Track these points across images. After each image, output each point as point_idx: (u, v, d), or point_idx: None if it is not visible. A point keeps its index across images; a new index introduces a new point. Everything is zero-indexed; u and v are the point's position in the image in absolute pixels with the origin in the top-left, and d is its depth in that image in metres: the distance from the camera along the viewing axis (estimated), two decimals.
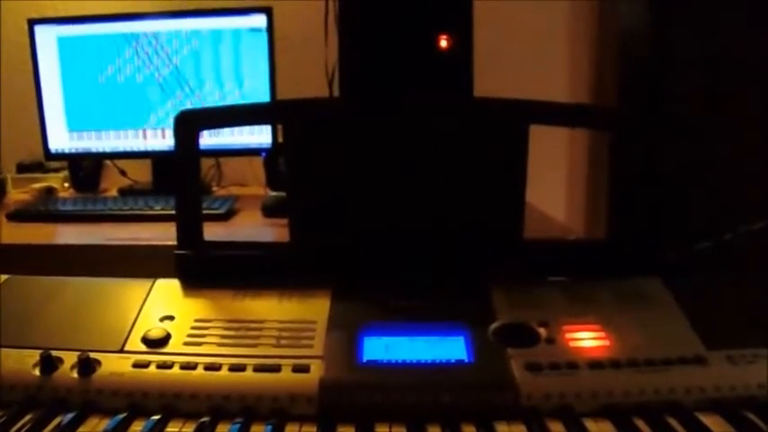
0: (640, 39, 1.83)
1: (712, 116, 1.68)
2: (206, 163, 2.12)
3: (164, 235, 1.31)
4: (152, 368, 0.79)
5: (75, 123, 1.98)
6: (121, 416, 0.75)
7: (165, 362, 0.80)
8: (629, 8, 1.90)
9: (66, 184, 2.17)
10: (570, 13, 2.22)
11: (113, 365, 0.80)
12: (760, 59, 1.65)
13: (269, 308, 0.89)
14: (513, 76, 1.84)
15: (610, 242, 0.98)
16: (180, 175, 0.98)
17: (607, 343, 0.82)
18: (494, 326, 0.85)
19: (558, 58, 2.25)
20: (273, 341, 0.83)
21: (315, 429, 0.73)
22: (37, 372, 0.79)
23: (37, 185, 2.06)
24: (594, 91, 2.20)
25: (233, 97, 1.93)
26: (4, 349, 0.82)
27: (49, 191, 2.05)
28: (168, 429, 0.73)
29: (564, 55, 2.25)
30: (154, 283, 0.95)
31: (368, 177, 0.97)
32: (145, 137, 1.97)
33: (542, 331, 0.83)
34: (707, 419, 0.73)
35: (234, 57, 1.91)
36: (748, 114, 1.65)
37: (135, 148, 1.99)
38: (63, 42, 1.94)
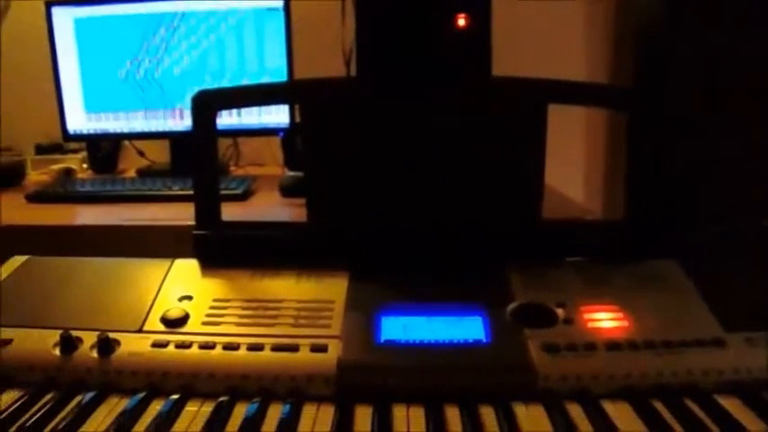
0: (658, 23, 1.81)
1: (730, 110, 1.66)
2: (223, 143, 2.12)
3: (182, 215, 1.31)
4: (171, 348, 0.80)
5: (93, 104, 1.98)
6: (140, 395, 0.75)
7: (183, 342, 0.80)
8: None
9: (85, 165, 2.17)
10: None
11: (132, 345, 0.80)
12: None
13: (287, 288, 0.89)
14: (530, 57, 1.83)
15: (627, 224, 0.97)
16: (198, 155, 0.98)
17: (625, 324, 0.82)
18: (511, 306, 0.85)
19: (575, 40, 2.23)
20: (291, 321, 0.83)
21: (332, 409, 0.73)
22: (57, 352, 0.79)
23: (56, 167, 2.06)
24: (612, 73, 2.19)
25: (250, 77, 1.92)
26: (24, 329, 0.83)
27: (68, 172, 2.06)
28: (187, 409, 0.74)
29: (582, 37, 2.23)
30: (172, 263, 0.96)
31: (385, 157, 0.97)
32: (163, 117, 1.98)
33: (560, 312, 0.83)
34: (725, 401, 0.73)
35: (251, 36, 1.91)
36: (764, 101, 1.63)
37: (153, 129, 1.99)
38: (80, 24, 1.94)
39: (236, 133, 2.05)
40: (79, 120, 1.99)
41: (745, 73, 1.64)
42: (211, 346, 0.79)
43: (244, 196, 1.66)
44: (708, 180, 1.64)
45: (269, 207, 1.62)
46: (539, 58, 1.99)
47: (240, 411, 0.73)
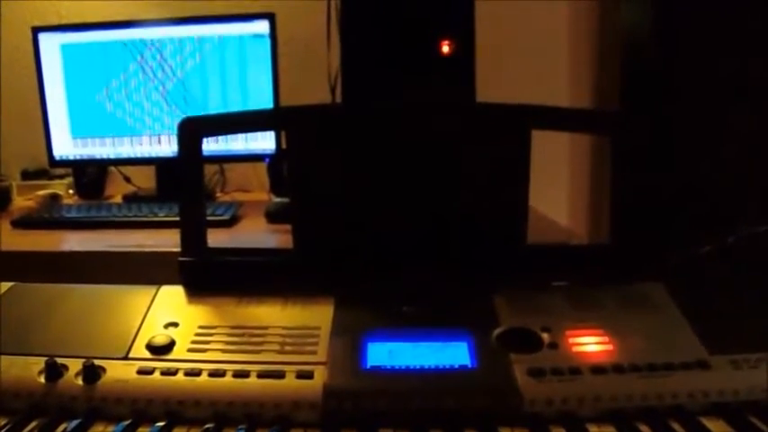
0: (642, 39, 1.82)
1: (716, 117, 1.67)
2: (210, 169, 2.12)
3: (168, 241, 1.31)
4: (156, 375, 0.79)
5: (80, 130, 1.98)
6: (126, 422, 0.75)
7: (169, 368, 0.80)
8: (630, 8, 1.90)
9: (71, 191, 2.17)
10: (571, 15, 2.22)
11: (118, 372, 0.80)
12: (764, 60, 1.65)
13: (273, 314, 0.89)
14: (514, 78, 1.84)
15: (612, 247, 0.98)
16: (184, 181, 0.98)
17: (610, 348, 0.82)
18: (497, 331, 0.85)
19: (559, 59, 2.24)
20: (277, 347, 0.83)
21: None
22: (42, 379, 0.79)
23: (41, 192, 2.06)
24: (596, 92, 2.20)
25: (236, 103, 1.93)
26: (9, 356, 0.82)
27: (54, 198, 2.05)
28: None
29: (565, 57, 2.24)
30: (158, 289, 0.95)
31: (371, 183, 0.98)
32: (149, 143, 1.98)
33: (545, 336, 0.84)
34: (711, 424, 0.74)
35: (237, 63, 1.92)
36: (753, 115, 1.65)
37: (139, 155, 1.99)
38: (66, 50, 1.95)
39: (222, 159, 2.05)
40: (65, 145, 1.99)
41: (747, 73, 1.65)
42: (197, 373, 0.79)
43: (230, 222, 1.66)
44: (692, 201, 1.65)
45: (255, 233, 1.62)
46: (522, 78, 2.01)
47: None
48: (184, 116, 0.98)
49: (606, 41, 2.14)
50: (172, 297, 0.94)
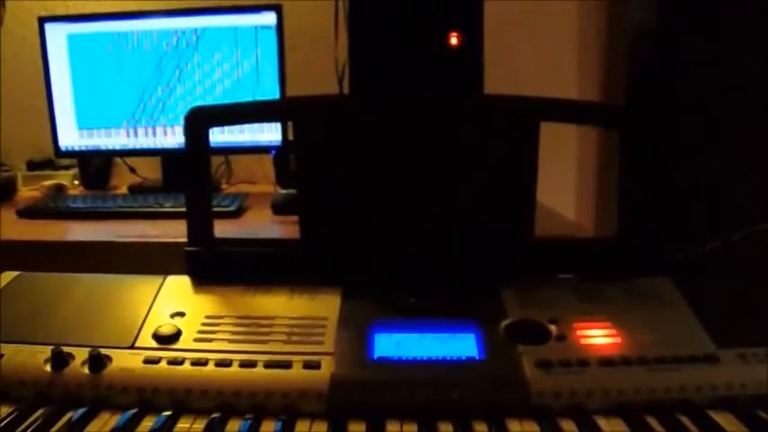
0: (649, 37, 1.82)
1: (721, 115, 1.67)
2: (216, 160, 2.12)
3: (174, 232, 1.31)
4: (163, 364, 0.79)
5: (85, 121, 1.98)
6: (132, 412, 0.75)
7: (175, 358, 0.80)
8: (638, 7, 1.89)
9: (76, 182, 2.18)
10: (579, 12, 2.21)
11: (124, 361, 0.80)
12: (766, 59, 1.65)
13: (280, 304, 0.89)
14: (523, 77, 1.84)
15: (620, 240, 0.97)
16: (190, 172, 0.98)
17: (618, 340, 0.82)
18: (505, 323, 0.84)
19: (567, 56, 2.24)
20: (284, 337, 0.83)
21: (325, 426, 0.73)
22: (48, 367, 0.79)
23: (47, 183, 2.06)
24: (604, 92, 2.20)
25: (243, 94, 1.93)
26: (15, 345, 0.82)
27: (59, 188, 2.05)
28: (179, 425, 0.73)
29: (573, 53, 2.24)
30: (164, 279, 0.95)
31: (378, 175, 0.97)
32: (154, 134, 1.98)
33: (553, 328, 0.83)
34: (718, 417, 0.73)
35: (243, 54, 1.91)
36: (758, 113, 1.64)
37: (145, 146, 1.99)
38: (73, 40, 1.95)
39: (228, 151, 2.05)
40: (71, 136, 1.99)
41: (752, 72, 1.65)
42: (204, 363, 0.79)
43: (236, 213, 1.66)
44: (701, 196, 1.64)
45: (261, 224, 1.62)
46: (531, 77, 2.00)
47: (233, 428, 0.72)
48: (191, 106, 0.97)
49: (614, 38, 2.13)
50: (178, 287, 0.94)
